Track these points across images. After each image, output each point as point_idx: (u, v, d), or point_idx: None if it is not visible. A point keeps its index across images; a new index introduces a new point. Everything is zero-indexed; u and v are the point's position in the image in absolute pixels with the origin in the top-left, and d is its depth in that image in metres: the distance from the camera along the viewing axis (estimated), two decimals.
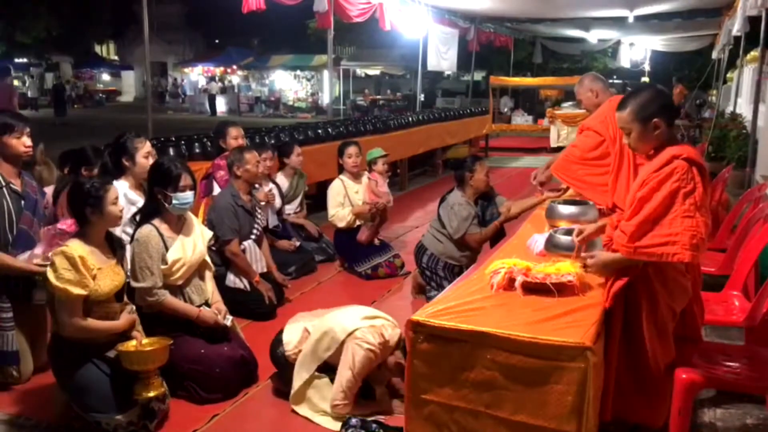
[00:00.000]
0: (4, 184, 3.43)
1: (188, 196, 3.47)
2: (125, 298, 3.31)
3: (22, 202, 3.48)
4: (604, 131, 3.88)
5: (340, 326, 3.24)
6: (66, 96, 27.58)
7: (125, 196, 3.80)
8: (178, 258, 3.41)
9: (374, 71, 34.12)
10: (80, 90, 36.68)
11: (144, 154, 3.92)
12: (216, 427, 3.20)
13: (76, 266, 2.94)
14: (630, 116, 2.64)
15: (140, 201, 3.81)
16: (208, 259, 3.68)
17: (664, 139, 2.61)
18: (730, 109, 13.27)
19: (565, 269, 2.71)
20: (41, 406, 3.34)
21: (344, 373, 3.13)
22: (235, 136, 5.38)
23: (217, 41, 40.75)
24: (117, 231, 3.66)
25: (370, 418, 3.08)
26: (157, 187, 3.45)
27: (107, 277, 3.08)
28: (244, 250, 4.62)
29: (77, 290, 2.94)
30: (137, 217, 3.53)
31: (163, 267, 3.37)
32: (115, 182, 3.82)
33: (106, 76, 41.06)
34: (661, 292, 2.58)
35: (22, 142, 3.48)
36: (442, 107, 18.59)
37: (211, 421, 3.24)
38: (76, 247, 3.00)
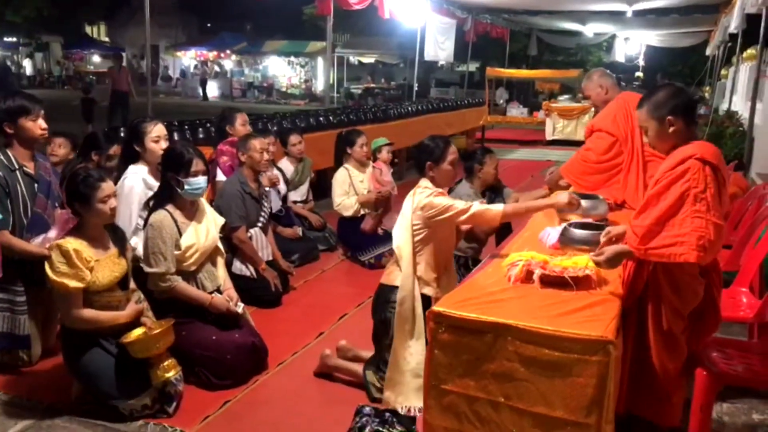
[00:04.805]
0: (17, 167, 3.40)
1: (200, 181, 3.46)
2: (132, 286, 3.30)
3: (36, 185, 3.45)
4: (616, 131, 3.89)
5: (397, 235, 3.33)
6: (10, 80, 21.40)
7: (144, 181, 3.78)
8: (191, 244, 3.41)
9: (369, 59, 34.00)
10: (70, 71, 36.33)
11: (154, 138, 3.85)
12: (228, 413, 3.22)
13: (71, 259, 2.94)
14: (646, 114, 2.66)
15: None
16: (220, 245, 3.68)
17: (682, 137, 2.60)
18: (724, 106, 13.37)
19: (582, 263, 2.73)
20: (53, 389, 3.33)
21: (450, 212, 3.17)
22: (242, 123, 5.36)
23: (209, 25, 40.45)
24: (133, 216, 3.66)
25: (383, 407, 3.10)
26: (170, 173, 3.44)
27: (106, 268, 3.08)
28: (250, 238, 4.62)
29: (74, 283, 2.95)
30: (150, 203, 3.51)
31: (176, 253, 3.37)
32: (133, 167, 3.81)
33: (96, 58, 40.55)
34: (668, 294, 2.58)
35: (39, 125, 3.44)
36: (437, 97, 18.57)
37: (223, 407, 3.25)
38: (70, 241, 3.00)
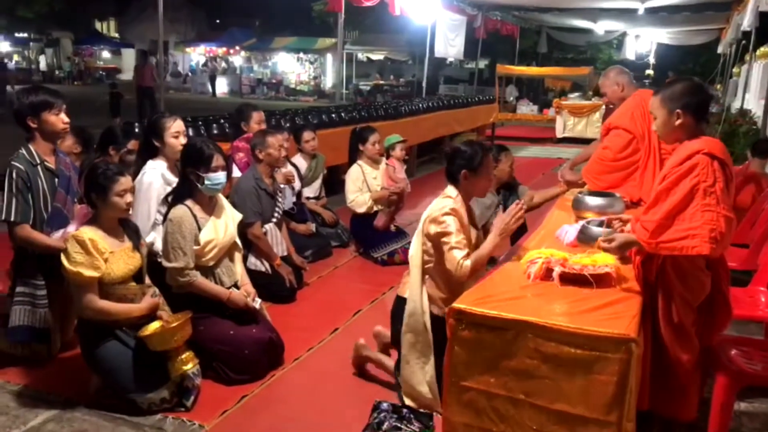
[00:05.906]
0: (39, 162, 3.42)
1: (220, 176, 3.47)
2: (147, 281, 3.33)
3: (56, 179, 3.47)
4: (633, 128, 3.89)
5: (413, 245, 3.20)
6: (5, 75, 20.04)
7: (163, 176, 3.79)
8: (210, 239, 3.43)
9: (378, 56, 33.98)
10: (81, 66, 36.48)
11: (173, 134, 3.86)
12: (245, 407, 3.24)
13: (87, 249, 2.98)
14: (659, 102, 2.69)
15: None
16: (238, 240, 3.69)
17: (689, 132, 2.63)
18: (736, 104, 13.28)
19: (602, 260, 2.73)
20: (72, 382, 3.36)
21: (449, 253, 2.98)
22: (258, 121, 5.37)
23: (218, 21, 40.51)
24: (152, 212, 3.67)
25: (400, 404, 3.11)
26: (190, 168, 3.45)
27: (120, 260, 3.11)
28: (265, 233, 4.63)
29: (89, 272, 2.98)
30: (169, 198, 3.52)
31: (195, 248, 3.38)
32: (151, 162, 3.82)
33: (106, 54, 40.60)
34: (677, 286, 2.60)
35: (61, 119, 3.45)
36: (447, 94, 18.53)
37: (240, 401, 3.27)
38: (86, 231, 3.04)
